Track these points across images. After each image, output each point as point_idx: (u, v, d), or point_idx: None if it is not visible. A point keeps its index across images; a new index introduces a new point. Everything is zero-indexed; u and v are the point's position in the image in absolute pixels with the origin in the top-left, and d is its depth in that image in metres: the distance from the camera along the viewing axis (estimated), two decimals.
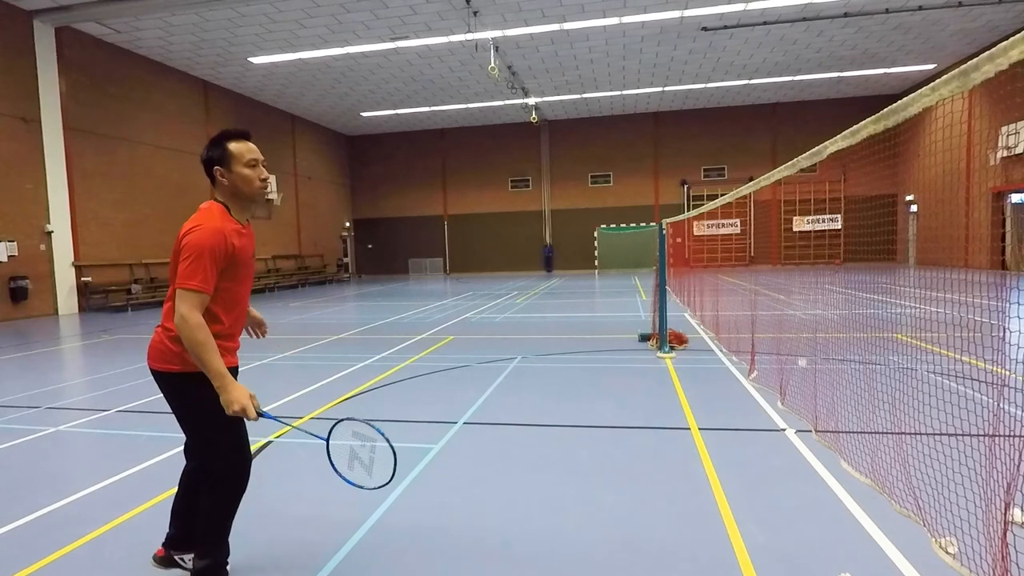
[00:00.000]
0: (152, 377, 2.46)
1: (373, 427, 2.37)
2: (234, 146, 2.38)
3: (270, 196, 24.86)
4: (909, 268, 24.08)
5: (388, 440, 2.35)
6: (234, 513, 2.49)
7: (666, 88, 25.40)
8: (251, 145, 2.43)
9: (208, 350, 2.16)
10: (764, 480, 3.63)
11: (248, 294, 2.56)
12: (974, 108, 20.72)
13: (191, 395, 2.37)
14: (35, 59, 15.38)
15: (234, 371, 2.48)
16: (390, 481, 2.39)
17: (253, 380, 6.86)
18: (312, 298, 19.68)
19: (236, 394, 2.18)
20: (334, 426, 2.47)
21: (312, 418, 5.28)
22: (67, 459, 4.54)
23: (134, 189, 18.53)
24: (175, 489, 3.68)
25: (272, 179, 25.19)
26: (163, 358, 2.37)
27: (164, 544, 2.72)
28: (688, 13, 17.07)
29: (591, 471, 3.91)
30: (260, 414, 2.24)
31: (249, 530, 3.04)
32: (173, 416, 2.48)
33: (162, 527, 2.77)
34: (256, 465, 2.75)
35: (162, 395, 2.47)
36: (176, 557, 2.70)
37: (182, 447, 2.75)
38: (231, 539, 2.59)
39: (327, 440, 2.47)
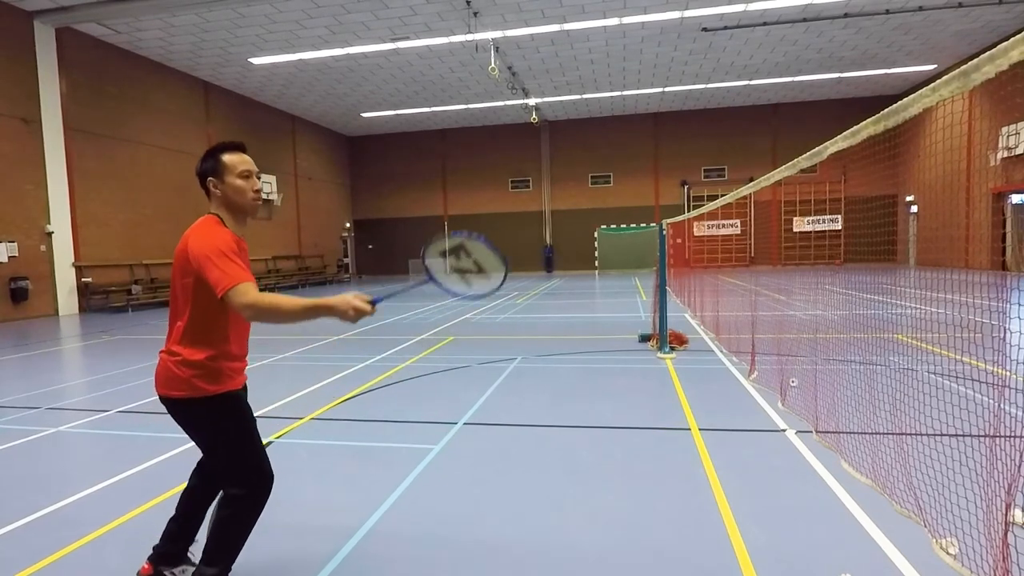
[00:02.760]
0: (163, 405, 2.39)
1: (453, 239, 2.43)
2: (227, 157, 2.38)
3: (270, 196, 24.88)
4: (909, 269, 24.07)
5: (475, 237, 2.41)
6: (251, 529, 2.44)
7: (666, 89, 25.40)
8: (245, 156, 2.42)
9: (287, 304, 2.08)
10: (764, 480, 3.63)
11: None
12: (974, 109, 20.72)
13: (203, 420, 2.34)
14: (35, 60, 15.38)
15: (244, 389, 2.48)
16: (506, 267, 2.50)
17: (253, 380, 6.84)
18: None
19: (343, 306, 2.11)
20: (424, 262, 2.49)
21: (313, 418, 5.28)
22: (67, 460, 4.54)
23: (134, 190, 18.54)
24: (175, 490, 3.70)
25: (272, 179, 25.23)
26: (169, 384, 2.30)
27: (151, 560, 2.58)
28: (688, 14, 17.07)
29: (591, 471, 3.91)
30: (374, 303, 2.19)
31: None
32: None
33: (161, 527, 2.74)
34: None
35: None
36: (166, 572, 2.59)
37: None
38: None
39: (431, 276, 2.46)
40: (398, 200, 32.97)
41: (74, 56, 16.52)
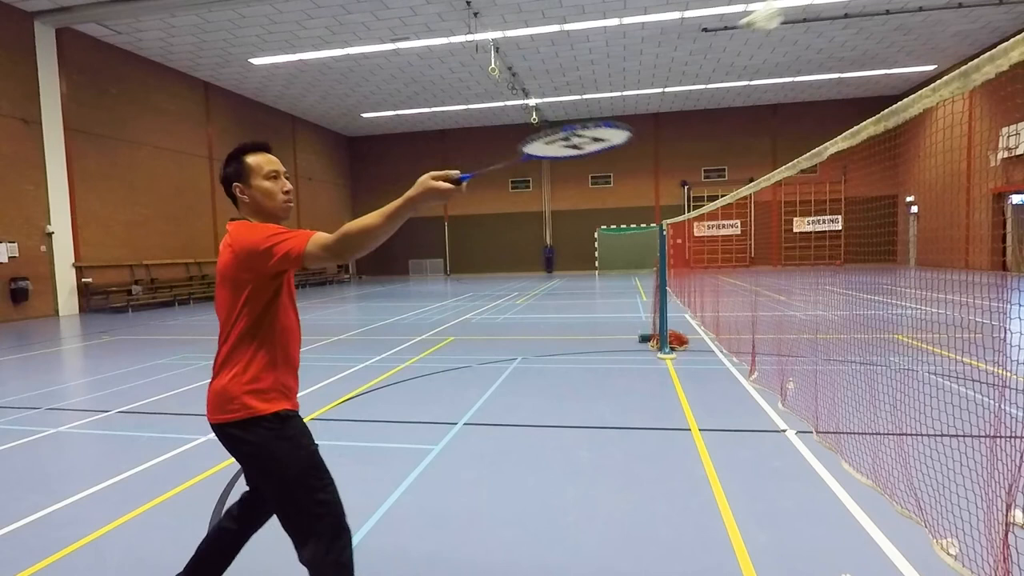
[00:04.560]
0: (216, 436, 2.11)
1: (557, 135, 1.95)
2: (251, 159, 2.19)
3: None
4: (910, 269, 24.07)
5: (589, 125, 1.91)
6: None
7: (666, 89, 25.40)
8: (270, 156, 2.24)
9: (372, 220, 1.84)
10: (765, 481, 3.63)
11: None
12: (975, 109, 20.71)
13: (258, 445, 2.02)
14: (36, 60, 15.38)
15: (295, 413, 2.17)
16: (628, 131, 1.93)
17: None
18: (313, 299, 19.68)
19: (425, 192, 1.83)
20: (523, 148, 2.01)
21: (312, 419, 5.27)
22: (67, 460, 4.54)
23: (135, 190, 18.54)
24: (175, 490, 3.70)
25: None
26: (221, 406, 2.03)
27: None
28: (688, 14, 17.08)
29: (591, 472, 3.91)
30: (460, 181, 1.88)
31: None
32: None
33: (161, 528, 2.74)
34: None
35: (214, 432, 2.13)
36: None
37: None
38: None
39: (529, 155, 2.06)
40: None
41: (74, 56, 16.52)
